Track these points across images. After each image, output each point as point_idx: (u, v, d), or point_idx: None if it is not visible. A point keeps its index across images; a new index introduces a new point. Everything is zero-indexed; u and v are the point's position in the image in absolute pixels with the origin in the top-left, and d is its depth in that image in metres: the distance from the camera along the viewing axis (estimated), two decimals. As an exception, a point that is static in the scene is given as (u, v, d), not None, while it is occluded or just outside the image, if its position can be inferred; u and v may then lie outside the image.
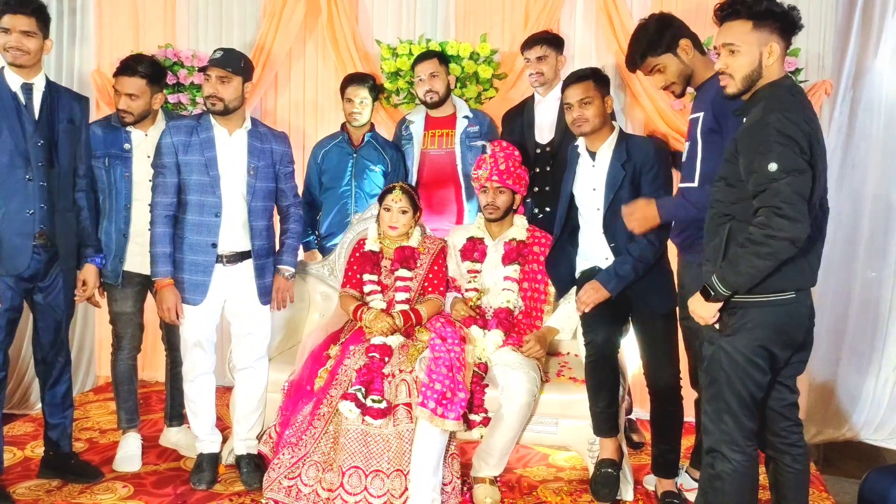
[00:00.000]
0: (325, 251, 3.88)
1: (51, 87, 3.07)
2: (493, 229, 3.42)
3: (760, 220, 2.17)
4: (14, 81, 2.97)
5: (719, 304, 2.29)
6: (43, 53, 3.01)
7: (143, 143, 3.33)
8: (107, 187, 3.31)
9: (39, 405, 4.08)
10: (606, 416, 2.99)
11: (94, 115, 4.31)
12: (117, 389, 3.50)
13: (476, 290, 3.38)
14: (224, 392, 3.66)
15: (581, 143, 3.13)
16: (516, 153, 3.34)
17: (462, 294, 3.42)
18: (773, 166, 2.14)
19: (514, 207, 3.40)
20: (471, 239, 3.43)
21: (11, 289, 2.96)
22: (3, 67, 3.00)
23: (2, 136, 2.90)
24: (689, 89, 2.88)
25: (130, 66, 3.31)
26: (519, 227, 3.39)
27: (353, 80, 3.83)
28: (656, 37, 2.77)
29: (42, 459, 3.31)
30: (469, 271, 3.40)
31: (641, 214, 2.82)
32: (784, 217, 2.13)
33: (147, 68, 3.31)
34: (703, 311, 2.32)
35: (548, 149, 3.60)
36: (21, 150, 2.93)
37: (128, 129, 3.34)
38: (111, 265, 3.31)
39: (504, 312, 3.28)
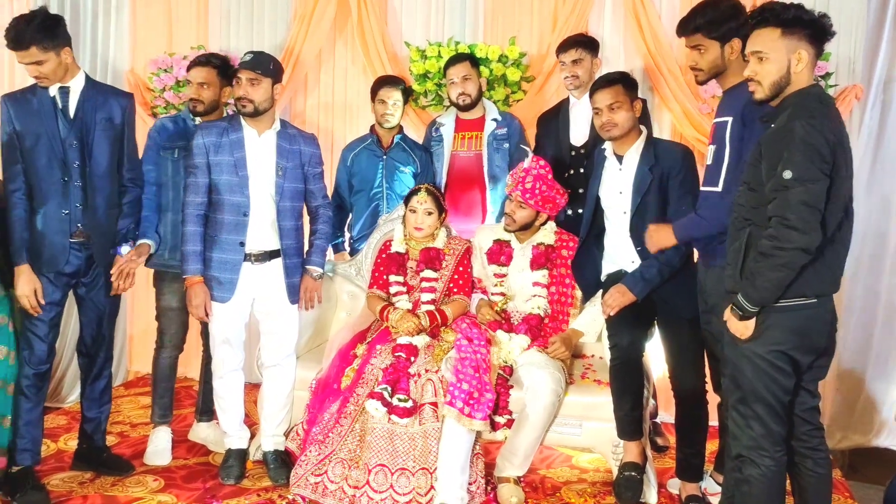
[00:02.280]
0: (356, 253, 3.90)
1: (90, 85, 3.11)
2: (520, 234, 3.42)
3: (770, 231, 2.20)
4: (52, 86, 3.04)
5: (753, 320, 2.30)
6: (68, 59, 3.01)
7: None
8: (173, 179, 3.39)
9: (72, 398, 4.21)
10: (630, 419, 3.00)
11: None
12: (155, 385, 3.58)
13: (503, 294, 3.39)
14: (252, 389, 3.71)
15: (608, 146, 3.14)
16: (550, 176, 3.31)
17: (488, 296, 3.44)
18: (787, 174, 2.17)
19: (539, 223, 3.38)
20: (497, 241, 3.44)
21: (52, 284, 3.03)
22: None
23: (40, 139, 2.98)
24: (718, 92, 2.88)
25: (205, 57, 3.50)
26: (547, 232, 3.39)
27: (385, 81, 3.86)
28: (719, 21, 2.71)
29: (76, 452, 3.38)
30: (495, 275, 3.42)
31: (658, 237, 2.85)
32: (791, 228, 2.16)
33: (219, 60, 3.49)
34: (739, 327, 2.33)
35: (582, 151, 3.61)
36: (57, 152, 3.00)
37: (195, 122, 3.42)
38: (179, 255, 3.32)
39: (535, 319, 3.28)
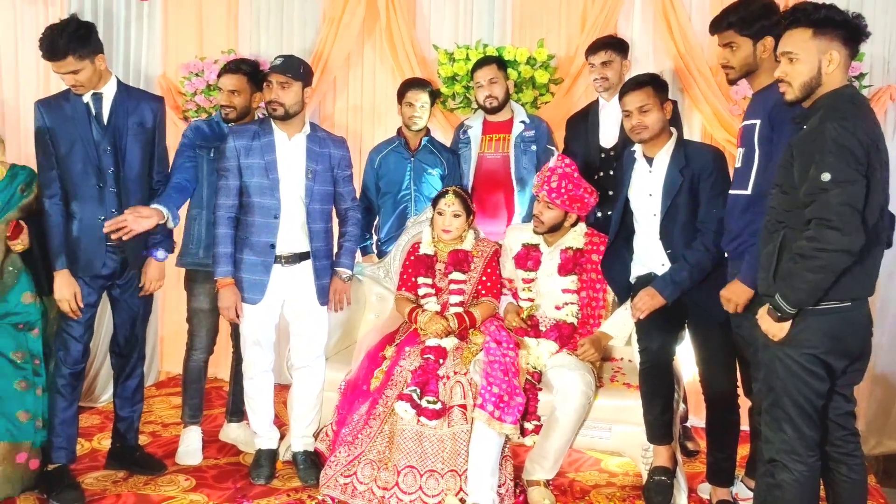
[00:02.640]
0: (384, 255, 3.92)
1: (122, 91, 3.13)
2: (549, 236, 3.39)
3: (810, 233, 2.17)
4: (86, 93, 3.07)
5: (789, 322, 2.27)
6: (102, 66, 3.03)
7: None
8: (209, 178, 3.41)
9: (104, 398, 4.27)
10: (660, 423, 2.98)
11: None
12: (186, 386, 3.62)
13: (531, 300, 3.37)
14: (282, 390, 3.74)
15: (638, 148, 3.12)
16: (575, 174, 3.26)
17: (517, 300, 3.42)
18: (825, 176, 2.14)
19: (569, 223, 3.33)
20: (525, 246, 3.41)
21: (88, 286, 3.07)
22: None
23: (75, 146, 3.01)
24: (748, 93, 2.85)
25: (235, 64, 3.51)
26: (576, 234, 3.35)
27: (413, 84, 3.86)
28: (751, 18, 2.69)
29: (109, 451, 3.43)
30: (523, 280, 3.38)
31: (736, 297, 2.70)
32: (834, 229, 2.13)
33: (249, 66, 3.51)
34: (775, 329, 2.30)
35: (612, 153, 3.59)
36: (92, 159, 3.03)
37: (229, 126, 3.45)
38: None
39: (567, 329, 3.25)
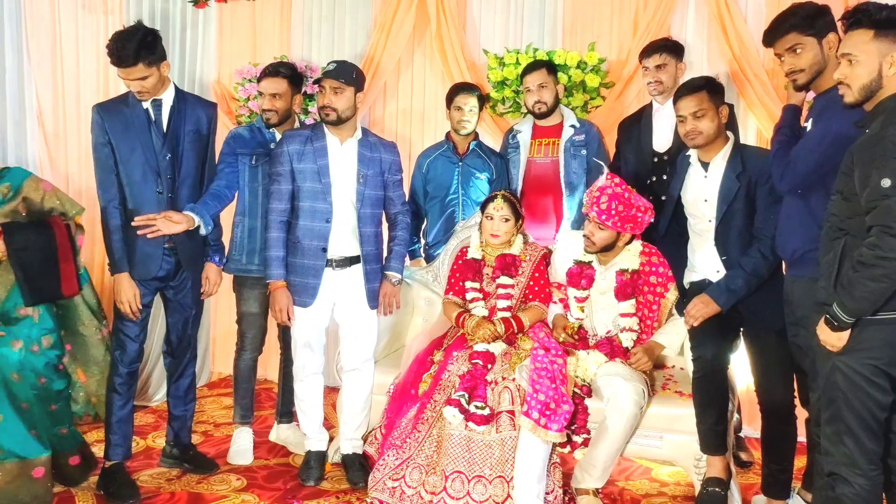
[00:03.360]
0: (431, 259, 3.93)
1: (179, 97, 3.18)
2: (601, 255, 3.28)
3: (871, 240, 2.12)
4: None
5: (847, 332, 2.22)
6: (165, 73, 3.07)
7: None
8: (250, 185, 3.47)
9: (158, 397, 4.35)
10: (714, 433, 2.92)
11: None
12: (237, 386, 3.67)
13: (581, 319, 3.30)
14: (331, 392, 3.77)
15: (693, 152, 3.07)
16: (626, 194, 3.14)
17: (567, 311, 3.37)
18: (886, 182, 2.08)
19: (622, 243, 3.22)
20: (578, 263, 3.31)
21: (144, 287, 3.13)
22: None
23: (135, 152, 3.06)
24: (808, 97, 2.79)
25: (274, 68, 3.53)
26: (631, 255, 3.22)
27: (462, 88, 3.88)
28: (812, 17, 2.62)
29: (163, 449, 3.50)
30: (577, 298, 3.30)
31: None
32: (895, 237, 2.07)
33: (288, 70, 3.53)
34: (832, 339, 2.25)
35: (665, 157, 3.54)
36: (152, 165, 3.08)
37: (272, 130, 3.50)
38: (257, 259, 3.44)
39: (620, 351, 3.13)
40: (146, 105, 3.09)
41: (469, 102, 3.82)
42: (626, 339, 3.19)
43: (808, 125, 2.67)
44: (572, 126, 3.83)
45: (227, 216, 3.47)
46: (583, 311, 3.31)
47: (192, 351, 3.41)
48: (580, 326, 3.30)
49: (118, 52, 2.92)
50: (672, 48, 3.56)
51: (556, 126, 3.85)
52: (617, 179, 3.20)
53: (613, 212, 3.12)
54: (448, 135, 3.97)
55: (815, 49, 2.63)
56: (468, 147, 3.89)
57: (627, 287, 3.19)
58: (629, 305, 3.20)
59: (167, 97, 3.13)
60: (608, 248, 3.22)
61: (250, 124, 3.67)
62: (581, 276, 3.29)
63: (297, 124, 3.61)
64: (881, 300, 2.15)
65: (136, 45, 2.91)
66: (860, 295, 2.15)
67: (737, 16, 3.88)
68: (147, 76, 2.98)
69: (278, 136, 3.46)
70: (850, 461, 2.24)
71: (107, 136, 3.06)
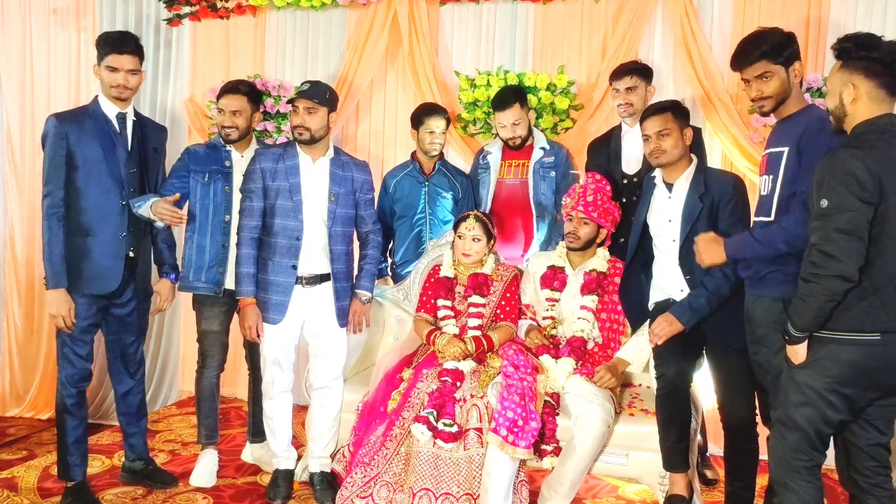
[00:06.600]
0: (398, 278, 3.95)
1: (138, 117, 3.26)
2: (574, 259, 3.42)
3: (809, 257, 2.23)
4: (110, 111, 3.15)
5: (804, 345, 2.31)
6: (140, 85, 3.19)
7: (239, 162, 3.49)
8: (201, 202, 3.44)
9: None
10: (676, 450, 2.95)
11: (188, 142, 4.56)
12: (199, 406, 3.62)
13: (552, 318, 3.39)
14: (300, 410, 3.76)
15: (658, 174, 3.14)
16: (608, 188, 3.35)
17: (537, 322, 3.44)
18: (823, 202, 2.20)
19: (599, 241, 3.39)
20: (552, 267, 3.44)
21: (92, 304, 3.11)
22: (97, 96, 3.18)
23: (100, 163, 3.07)
24: (769, 121, 2.87)
25: (233, 85, 3.55)
26: (600, 258, 3.38)
27: (433, 111, 3.91)
28: (781, 46, 2.70)
29: (123, 464, 3.47)
30: (548, 299, 3.41)
31: (708, 253, 2.81)
32: (825, 254, 2.18)
33: (247, 87, 3.57)
34: (792, 352, 2.35)
35: (634, 179, 3.60)
36: (116, 177, 3.10)
37: (227, 148, 3.51)
38: (211, 276, 3.43)
39: (578, 342, 3.27)
40: (111, 117, 3.12)
41: (441, 125, 3.87)
42: (581, 332, 3.28)
43: (783, 152, 2.71)
44: (542, 148, 3.88)
45: (179, 234, 3.51)
46: (553, 309, 3.38)
47: (141, 367, 3.41)
48: (553, 335, 3.34)
49: (119, 37, 3.07)
50: (642, 71, 3.63)
51: (526, 148, 3.89)
52: (598, 176, 3.37)
53: (599, 202, 3.31)
54: (414, 154, 4.00)
55: (782, 77, 2.71)
56: (434, 167, 3.94)
57: (593, 283, 3.32)
58: (591, 300, 3.32)
59: (130, 113, 3.19)
60: (589, 245, 3.36)
61: (207, 142, 3.68)
62: (554, 278, 3.42)
63: (254, 141, 3.61)
64: (823, 315, 2.24)
65: (135, 42, 3.09)
66: (800, 308, 2.26)
67: (702, 42, 3.98)
68: (137, 71, 3.10)
69: (234, 154, 3.49)
70: (792, 468, 2.34)
71: (66, 146, 3.02)
